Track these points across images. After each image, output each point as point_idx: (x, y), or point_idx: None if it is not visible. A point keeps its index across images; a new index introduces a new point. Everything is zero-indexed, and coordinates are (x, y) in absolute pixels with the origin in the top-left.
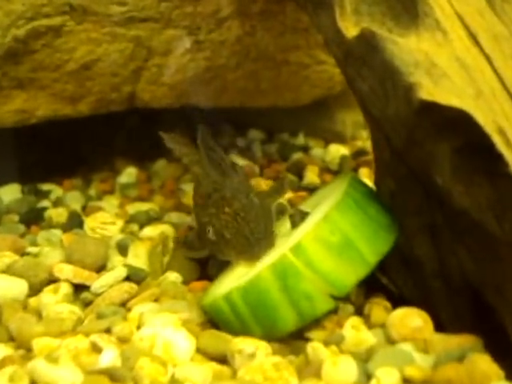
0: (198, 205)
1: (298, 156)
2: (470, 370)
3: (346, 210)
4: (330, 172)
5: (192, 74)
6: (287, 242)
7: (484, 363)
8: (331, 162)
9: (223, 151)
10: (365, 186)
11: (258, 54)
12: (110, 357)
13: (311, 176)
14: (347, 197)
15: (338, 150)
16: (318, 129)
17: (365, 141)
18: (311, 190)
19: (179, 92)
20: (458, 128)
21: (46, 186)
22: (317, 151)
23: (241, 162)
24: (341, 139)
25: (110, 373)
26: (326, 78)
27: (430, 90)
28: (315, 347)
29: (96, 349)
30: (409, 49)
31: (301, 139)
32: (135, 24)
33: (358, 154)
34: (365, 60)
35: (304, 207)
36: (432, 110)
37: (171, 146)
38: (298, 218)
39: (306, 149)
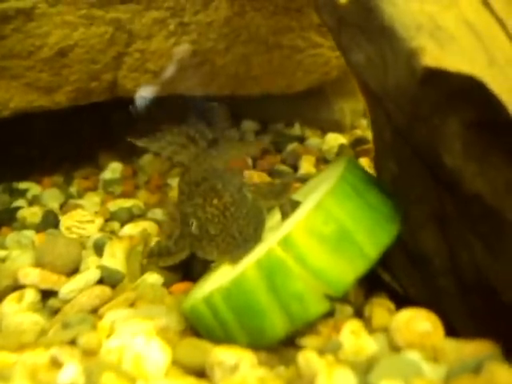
0: (184, 193)
1: (293, 146)
2: (488, 382)
3: (341, 196)
4: (328, 162)
5: (178, 60)
6: (275, 235)
7: (504, 374)
8: (329, 151)
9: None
10: (363, 170)
11: (249, 36)
12: (70, 373)
13: (307, 166)
14: (343, 182)
15: (335, 139)
16: (314, 118)
17: (364, 130)
18: (307, 181)
19: (164, 79)
20: (470, 99)
21: (23, 185)
22: (313, 141)
23: None
24: (339, 128)
25: None
26: (321, 63)
27: (435, 55)
28: (308, 357)
29: (56, 364)
30: (410, 11)
31: (296, 129)
32: (114, 5)
33: (358, 142)
34: (360, 26)
35: (296, 197)
36: (439, 78)
37: (146, 147)
38: (289, 208)
39: (301, 139)
